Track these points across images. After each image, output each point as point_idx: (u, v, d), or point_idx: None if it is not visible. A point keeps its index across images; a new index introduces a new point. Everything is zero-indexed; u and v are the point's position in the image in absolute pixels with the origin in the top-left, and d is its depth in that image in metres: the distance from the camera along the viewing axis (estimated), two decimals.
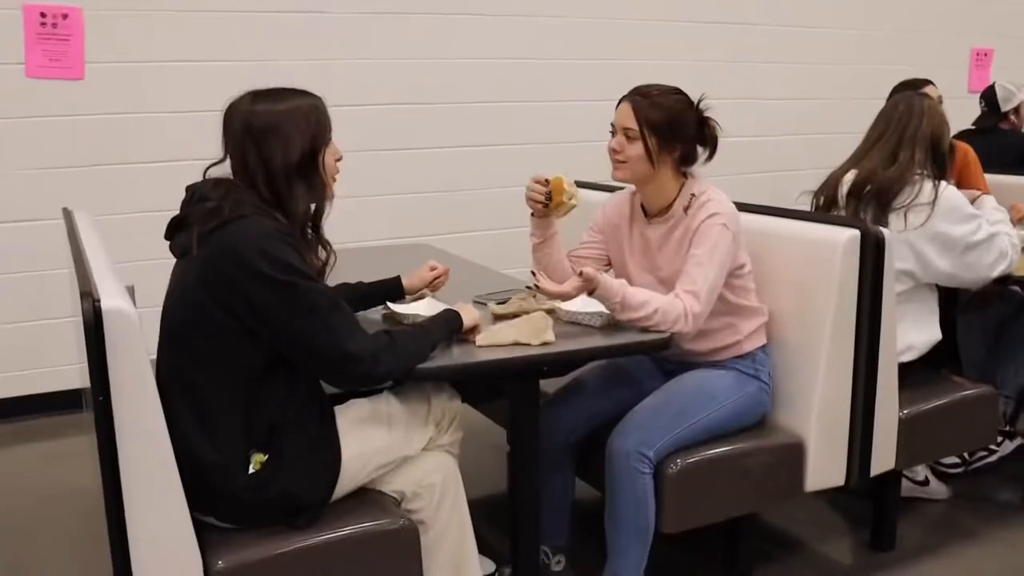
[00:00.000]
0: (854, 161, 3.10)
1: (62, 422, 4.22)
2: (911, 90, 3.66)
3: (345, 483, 2.17)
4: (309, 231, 2.17)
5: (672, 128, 2.53)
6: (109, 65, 4.23)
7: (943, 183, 2.93)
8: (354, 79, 4.69)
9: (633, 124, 2.52)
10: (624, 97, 2.58)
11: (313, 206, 2.16)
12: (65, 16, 4.12)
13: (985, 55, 6.65)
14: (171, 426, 1.91)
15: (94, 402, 1.79)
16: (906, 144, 2.98)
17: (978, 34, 6.62)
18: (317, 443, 2.13)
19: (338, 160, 2.20)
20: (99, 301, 1.78)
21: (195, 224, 2.04)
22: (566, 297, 2.40)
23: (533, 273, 2.47)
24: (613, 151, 2.57)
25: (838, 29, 6.12)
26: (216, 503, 2.06)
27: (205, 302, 2.00)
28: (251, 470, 2.05)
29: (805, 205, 3.19)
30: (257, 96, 2.12)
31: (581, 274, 2.36)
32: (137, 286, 3.70)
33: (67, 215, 2.95)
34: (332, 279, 2.28)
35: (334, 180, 2.20)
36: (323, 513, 2.12)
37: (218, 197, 2.05)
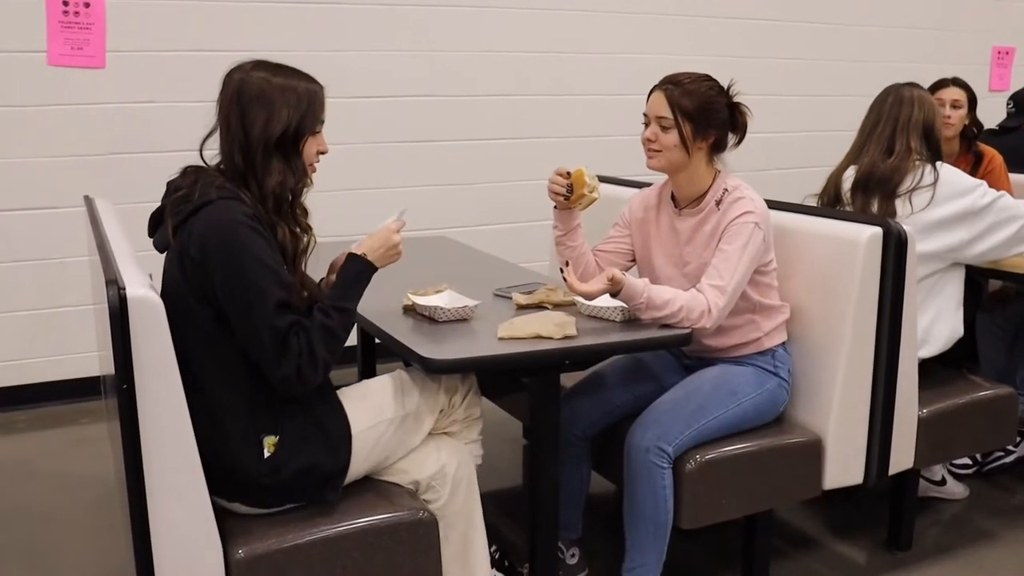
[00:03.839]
0: (852, 157, 3.12)
1: (82, 409, 4.25)
2: (941, 89, 3.70)
3: (361, 454, 2.19)
4: (284, 208, 2.13)
5: (706, 115, 2.52)
6: (131, 54, 4.24)
7: (940, 163, 2.97)
8: (373, 71, 4.70)
9: (667, 113, 2.51)
10: (656, 86, 2.57)
11: (288, 187, 2.12)
12: (87, 4, 4.13)
13: (1006, 54, 6.60)
14: None
15: (118, 391, 1.80)
16: (900, 134, 3.00)
17: (999, 33, 6.58)
18: (324, 414, 2.15)
19: (321, 153, 2.19)
20: (124, 289, 1.78)
21: (168, 217, 2.07)
22: (590, 295, 2.40)
23: (562, 269, 2.46)
24: (648, 140, 2.56)
25: (858, 26, 6.09)
26: (243, 491, 2.09)
27: (187, 294, 2.02)
28: (266, 454, 2.06)
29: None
30: (259, 65, 2.13)
31: (611, 277, 2.36)
32: (156, 275, 3.72)
33: (88, 203, 2.96)
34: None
35: (312, 170, 2.19)
36: (344, 485, 2.17)
37: (187, 185, 2.08)
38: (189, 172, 2.13)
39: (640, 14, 5.28)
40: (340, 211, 4.00)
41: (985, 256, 3.00)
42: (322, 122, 2.16)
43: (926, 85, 3.90)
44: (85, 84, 4.19)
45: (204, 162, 2.16)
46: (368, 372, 3.37)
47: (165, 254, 2.14)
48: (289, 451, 2.08)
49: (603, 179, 2.83)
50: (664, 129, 2.52)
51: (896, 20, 6.19)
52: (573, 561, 2.79)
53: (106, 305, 1.77)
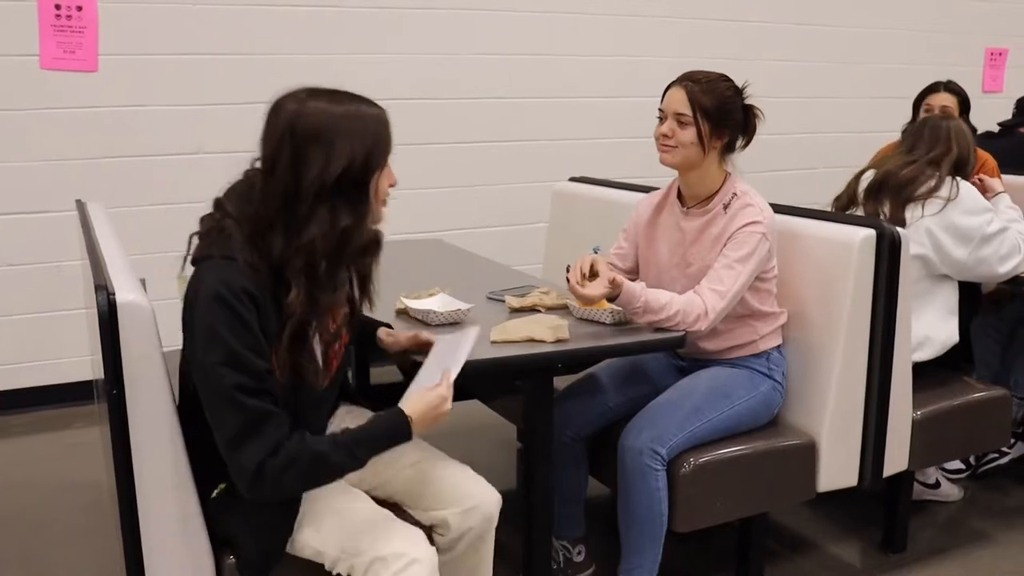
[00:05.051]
0: (874, 163, 3.15)
1: (77, 413, 4.24)
2: (932, 94, 3.71)
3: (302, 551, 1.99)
4: (319, 264, 1.85)
5: (723, 114, 2.53)
6: (124, 57, 4.23)
7: (959, 178, 2.99)
8: (368, 74, 4.69)
9: (686, 109, 2.51)
10: (675, 83, 2.57)
11: (334, 239, 1.84)
12: (80, 8, 4.12)
13: (1000, 55, 6.61)
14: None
15: (107, 395, 1.79)
16: (927, 161, 3.02)
17: (992, 34, 6.59)
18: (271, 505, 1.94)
19: (391, 186, 1.94)
20: (114, 294, 1.77)
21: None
22: (592, 299, 2.38)
23: (568, 268, 2.44)
24: (664, 136, 2.55)
25: (852, 28, 6.10)
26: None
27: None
28: (213, 493, 1.96)
29: None
30: (313, 93, 1.85)
31: (612, 280, 2.36)
32: (149, 280, 3.71)
33: (80, 207, 2.95)
34: None
35: (383, 206, 1.94)
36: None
37: (204, 231, 1.89)
38: (213, 215, 1.90)
39: (637, 17, 5.28)
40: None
41: (973, 278, 3.05)
42: (390, 152, 1.92)
43: (919, 87, 3.93)
44: (78, 88, 4.18)
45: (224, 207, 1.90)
46: (362, 377, 3.36)
47: None
48: (227, 508, 1.95)
49: (597, 182, 2.83)
50: (682, 125, 2.52)
51: (889, 22, 6.20)
52: (580, 559, 2.79)
53: (96, 310, 1.76)
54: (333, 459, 1.82)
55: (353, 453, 1.84)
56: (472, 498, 2.12)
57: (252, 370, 1.77)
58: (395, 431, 1.90)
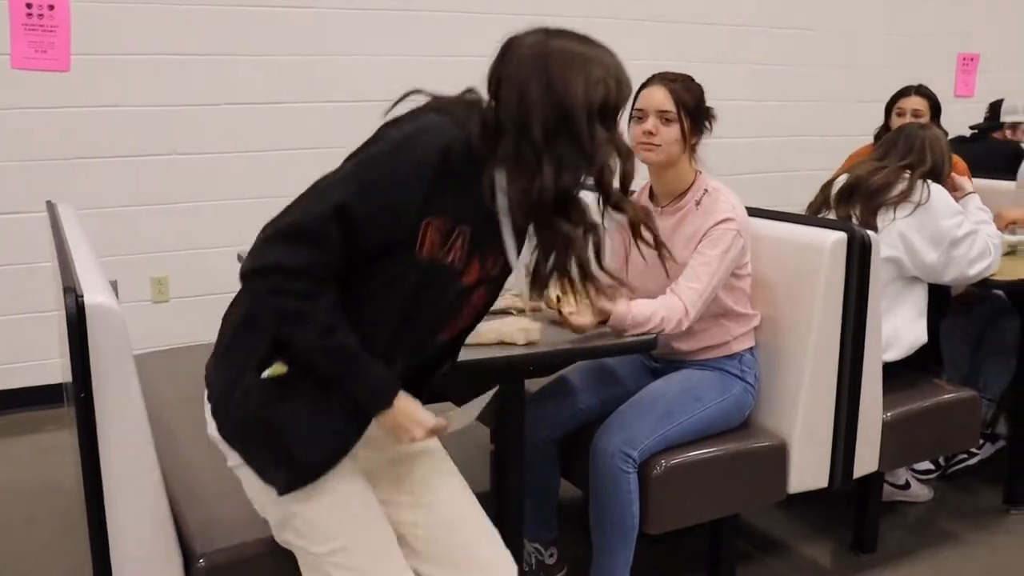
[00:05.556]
0: (848, 167, 3.18)
1: (48, 416, 4.19)
2: (903, 98, 3.75)
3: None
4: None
5: (699, 112, 2.57)
6: (95, 57, 4.20)
7: (930, 181, 3.01)
8: (346, 75, 4.67)
9: (671, 107, 2.53)
10: (651, 82, 2.59)
11: (613, 170, 1.75)
12: (51, 7, 4.09)
13: (971, 60, 6.68)
14: None
15: (76, 399, 1.78)
16: (899, 167, 3.05)
17: (964, 40, 6.65)
18: (335, 411, 1.80)
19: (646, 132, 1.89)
20: (82, 296, 1.76)
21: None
22: (583, 328, 2.36)
23: (558, 298, 2.29)
24: (648, 133, 2.55)
25: (828, 32, 6.14)
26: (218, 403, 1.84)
27: None
28: (265, 373, 1.77)
29: None
30: (551, 32, 1.76)
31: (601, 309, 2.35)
32: (121, 282, 3.69)
33: (51, 208, 2.93)
34: None
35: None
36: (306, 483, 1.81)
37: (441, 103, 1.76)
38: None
39: (613, 20, 5.28)
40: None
41: (944, 280, 3.07)
42: (631, 94, 1.81)
43: (892, 91, 3.96)
44: (49, 87, 4.15)
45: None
46: None
47: None
48: (279, 394, 1.77)
49: None
50: (666, 122, 2.54)
51: (862, 26, 6.24)
52: (552, 561, 2.80)
53: (64, 312, 1.75)
54: (322, 343, 1.69)
55: (339, 362, 1.72)
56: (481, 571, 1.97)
57: (360, 210, 1.65)
58: (374, 395, 1.77)
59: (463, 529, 2.00)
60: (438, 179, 1.67)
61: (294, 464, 1.80)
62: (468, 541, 1.99)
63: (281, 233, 1.68)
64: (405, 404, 1.81)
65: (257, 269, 1.69)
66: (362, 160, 1.70)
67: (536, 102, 1.67)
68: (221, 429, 1.84)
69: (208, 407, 1.86)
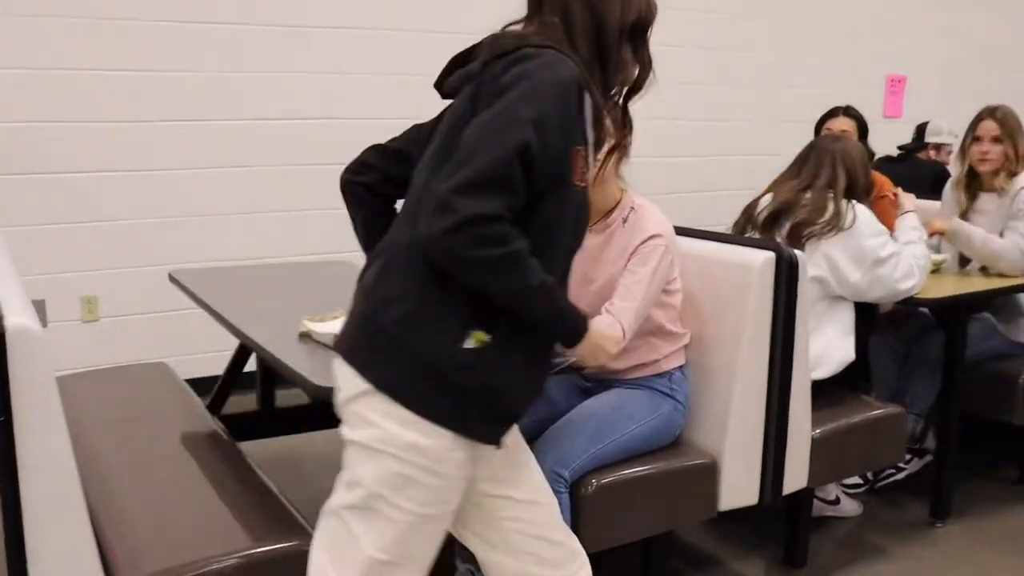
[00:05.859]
0: (772, 187, 3.22)
1: None
2: (831, 119, 3.83)
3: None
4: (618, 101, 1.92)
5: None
6: (17, 71, 4.15)
7: (855, 202, 3.06)
8: (273, 92, 4.65)
9: None
10: None
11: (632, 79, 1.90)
12: None
13: (899, 82, 6.84)
14: None
15: None
16: (821, 188, 3.09)
17: (892, 62, 6.81)
18: (540, 361, 1.88)
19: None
20: (2, 318, 1.73)
21: (485, 50, 1.81)
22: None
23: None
24: None
25: (759, 53, 6.24)
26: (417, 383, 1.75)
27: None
28: (466, 343, 1.74)
29: None
30: None
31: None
32: (48, 301, 3.61)
33: None
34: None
35: None
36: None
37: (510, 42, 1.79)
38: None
39: None
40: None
41: (869, 299, 3.13)
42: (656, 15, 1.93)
43: (821, 111, 4.04)
44: None
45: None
46: (267, 400, 3.32)
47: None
48: (492, 361, 1.76)
49: None
50: None
51: (793, 47, 6.36)
52: None
53: None
54: (532, 284, 1.68)
55: (546, 301, 1.73)
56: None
57: (537, 146, 1.65)
58: (577, 325, 1.84)
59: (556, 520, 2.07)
60: (581, 104, 1.74)
61: (508, 416, 1.85)
62: (564, 536, 2.08)
63: (472, 183, 1.62)
64: (595, 325, 1.96)
65: (455, 225, 1.61)
66: (514, 101, 1.68)
67: (581, 23, 1.80)
68: (414, 403, 1.72)
69: (377, 391, 1.74)
